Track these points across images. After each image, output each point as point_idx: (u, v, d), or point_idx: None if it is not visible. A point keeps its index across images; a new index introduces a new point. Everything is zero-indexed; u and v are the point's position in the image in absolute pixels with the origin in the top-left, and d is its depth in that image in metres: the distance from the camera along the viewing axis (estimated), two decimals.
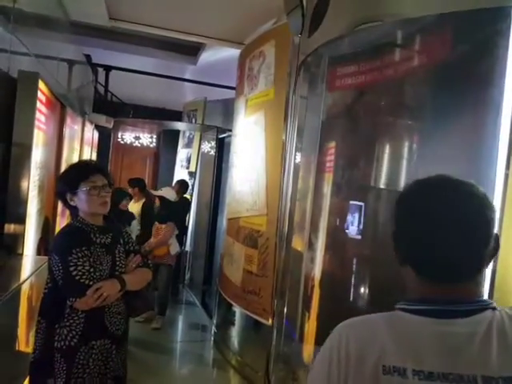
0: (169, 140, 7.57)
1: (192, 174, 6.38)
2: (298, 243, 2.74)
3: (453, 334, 0.69)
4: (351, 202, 2.21)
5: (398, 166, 2.14)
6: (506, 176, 1.24)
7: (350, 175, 2.43)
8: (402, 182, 2.06)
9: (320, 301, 2.46)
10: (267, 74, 3.14)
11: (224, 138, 5.60)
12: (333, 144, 2.61)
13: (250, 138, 3.34)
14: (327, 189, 2.57)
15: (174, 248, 4.38)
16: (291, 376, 2.52)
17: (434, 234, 0.71)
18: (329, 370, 0.73)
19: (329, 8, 2.20)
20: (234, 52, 4.24)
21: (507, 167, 1.25)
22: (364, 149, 2.32)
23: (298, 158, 2.71)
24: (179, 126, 6.85)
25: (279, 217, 2.79)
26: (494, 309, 0.72)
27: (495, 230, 0.73)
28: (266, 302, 2.86)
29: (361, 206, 2.17)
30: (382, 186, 2.21)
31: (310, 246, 2.65)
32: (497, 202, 1.26)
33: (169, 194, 4.47)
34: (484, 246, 0.71)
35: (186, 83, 7.04)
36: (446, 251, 0.71)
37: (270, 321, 2.77)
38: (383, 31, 2.17)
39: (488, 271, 1.24)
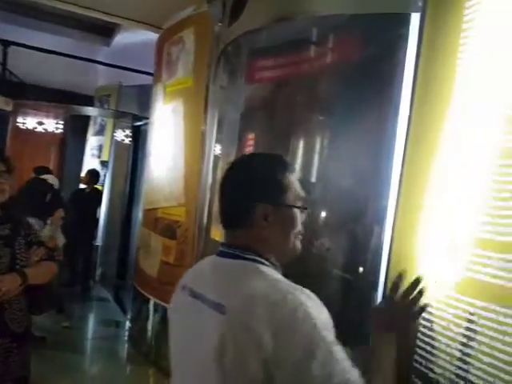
0: (78, 126, 7.07)
1: (104, 164, 6.07)
2: (216, 233, 2.76)
3: (215, 268, 0.97)
4: None
5: (310, 158, 2.25)
6: (402, 171, 1.37)
7: None
8: (315, 174, 2.17)
9: None
10: (186, 61, 3.08)
11: (140, 125, 5.40)
12: (252, 136, 2.66)
13: (167, 126, 3.27)
14: None
15: (61, 240, 4.15)
16: None
17: (220, 194, 1.00)
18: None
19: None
20: (151, 36, 4.08)
21: (403, 163, 1.38)
22: (280, 142, 2.40)
23: (218, 149, 2.72)
24: (90, 111, 6.46)
25: (198, 207, 2.77)
26: (248, 259, 0.92)
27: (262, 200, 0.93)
28: None
29: None
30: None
31: None
32: (393, 192, 1.40)
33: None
34: (236, 207, 0.96)
35: (99, 66, 6.62)
36: (222, 206, 0.99)
37: None
38: (299, 27, 2.25)
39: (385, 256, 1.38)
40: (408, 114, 1.42)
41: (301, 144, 2.32)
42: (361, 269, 1.75)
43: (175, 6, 3.20)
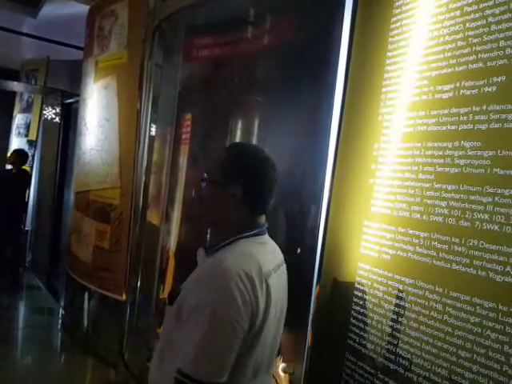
0: (3, 103, 6.49)
1: (32, 143, 5.64)
2: (153, 217, 2.67)
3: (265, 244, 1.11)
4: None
5: (249, 138, 2.22)
6: (336, 149, 1.39)
7: (206, 147, 2.44)
8: None
9: (175, 272, 2.46)
10: (120, 35, 2.90)
11: (71, 103, 5.06)
12: (189, 116, 2.57)
13: (100, 104, 3.07)
14: (183, 161, 2.54)
15: None
16: (146, 347, 2.49)
17: (271, 188, 1.09)
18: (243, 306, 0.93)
19: None
20: (82, 8, 3.79)
21: (337, 143, 1.40)
22: (218, 122, 2.35)
23: (154, 129, 2.61)
24: (15, 86, 5.92)
25: (134, 190, 2.66)
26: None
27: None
28: (120, 278, 2.74)
29: None
30: None
31: (167, 218, 2.61)
32: (328, 172, 1.42)
33: None
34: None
35: (25, 38, 6.06)
36: (271, 198, 1.10)
37: (124, 296, 2.67)
38: (237, 7, 2.19)
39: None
40: (342, 94, 1.44)
41: (239, 125, 2.29)
42: (298, 249, 1.78)
43: None
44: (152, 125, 2.55)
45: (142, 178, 2.56)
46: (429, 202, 1.07)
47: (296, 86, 1.90)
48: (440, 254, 1.03)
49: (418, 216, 1.09)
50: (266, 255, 1.06)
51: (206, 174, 1.12)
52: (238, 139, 2.25)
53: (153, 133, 2.57)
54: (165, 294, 2.47)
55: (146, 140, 2.56)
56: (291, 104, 1.87)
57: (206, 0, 2.10)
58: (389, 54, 1.28)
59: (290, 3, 1.87)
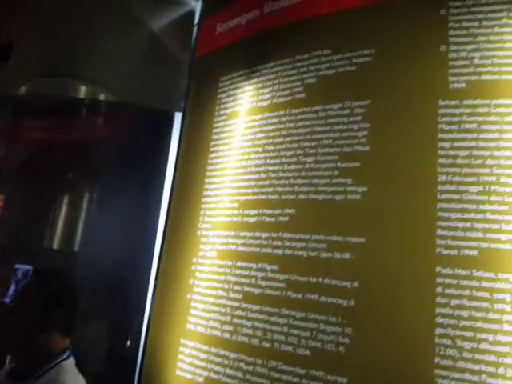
0: None
1: None
2: None
3: None
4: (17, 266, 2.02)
5: (73, 228, 2.10)
6: (159, 259, 1.41)
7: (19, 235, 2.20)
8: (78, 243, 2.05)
9: None
10: None
11: None
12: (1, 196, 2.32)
13: None
14: None
15: None
16: None
17: None
18: None
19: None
20: None
21: (161, 250, 1.42)
22: (37, 206, 2.17)
23: None
24: None
25: None
26: None
27: None
28: None
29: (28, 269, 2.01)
30: (55, 247, 2.12)
31: None
32: (151, 283, 1.42)
33: None
34: None
35: None
36: None
37: None
38: (70, 98, 2.15)
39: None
40: (168, 202, 1.49)
41: (63, 211, 2.16)
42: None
43: None
44: None
45: None
46: (237, 321, 1.13)
47: (126, 182, 1.91)
48: (246, 376, 1.07)
49: (228, 336, 1.13)
50: None
51: None
52: (60, 228, 2.09)
53: None
54: None
55: None
56: (122, 195, 1.87)
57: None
58: (208, 173, 1.38)
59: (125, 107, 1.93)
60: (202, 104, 1.48)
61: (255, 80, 1.35)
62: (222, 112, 1.40)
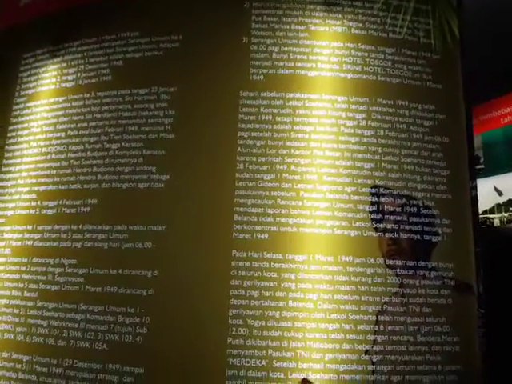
0: None
1: None
2: None
3: None
4: None
5: None
6: None
7: None
8: None
9: None
10: None
11: None
12: None
13: None
14: None
15: None
16: None
17: None
18: None
19: None
20: None
21: None
22: None
23: None
24: None
25: None
26: None
27: None
28: None
29: None
30: None
31: None
32: None
33: None
34: None
35: None
36: None
37: None
38: None
39: None
40: None
41: None
42: None
43: None
44: None
45: None
46: (32, 321, 1.04)
47: None
48: (40, 379, 1.00)
49: (22, 338, 1.04)
50: None
51: None
52: None
53: None
54: None
55: None
56: None
57: None
58: (4, 160, 1.23)
59: None
60: (0, 83, 1.31)
61: (60, 59, 1.24)
62: (22, 93, 1.26)
